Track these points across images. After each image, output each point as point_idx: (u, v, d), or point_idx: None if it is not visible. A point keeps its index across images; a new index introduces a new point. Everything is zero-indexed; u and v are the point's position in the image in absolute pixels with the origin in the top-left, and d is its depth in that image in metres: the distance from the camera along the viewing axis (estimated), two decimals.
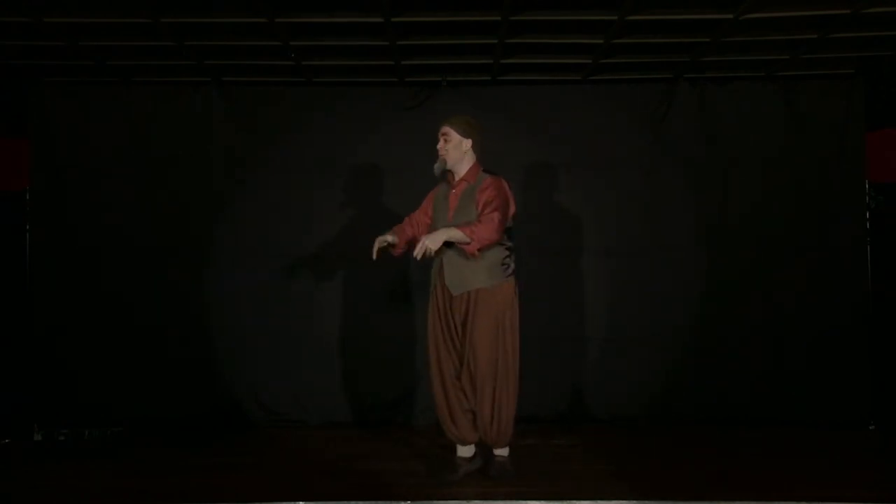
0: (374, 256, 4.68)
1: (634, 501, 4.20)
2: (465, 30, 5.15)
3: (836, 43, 5.38)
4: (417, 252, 4.44)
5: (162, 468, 5.07)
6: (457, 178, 4.75)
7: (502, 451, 4.78)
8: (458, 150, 4.72)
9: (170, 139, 6.14)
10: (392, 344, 6.12)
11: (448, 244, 4.56)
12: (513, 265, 4.71)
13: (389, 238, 4.73)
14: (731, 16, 4.85)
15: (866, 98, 6.08)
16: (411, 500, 4.27)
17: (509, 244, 4.70)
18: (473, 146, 4.75)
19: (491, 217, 4.50)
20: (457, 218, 4.65)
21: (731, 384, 6.04)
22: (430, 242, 4.43)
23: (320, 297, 6.15)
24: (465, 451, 4.82)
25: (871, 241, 6.09)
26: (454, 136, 4.71)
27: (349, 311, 6.16)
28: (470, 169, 4.74)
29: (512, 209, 4.72)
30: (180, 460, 5.25)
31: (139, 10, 4.77)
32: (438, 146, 4.75)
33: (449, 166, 4.75)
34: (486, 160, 4.85)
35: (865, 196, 6.10)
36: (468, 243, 4.49)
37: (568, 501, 4.22)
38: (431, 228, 4.73)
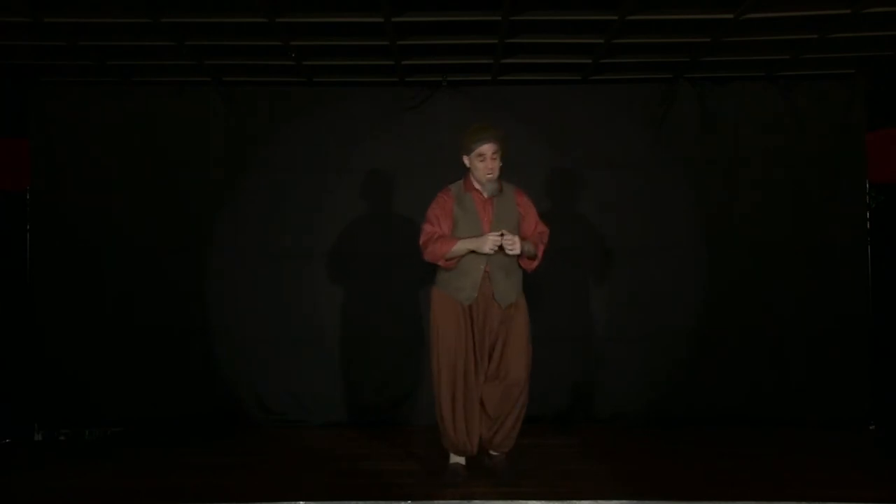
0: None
1: (634, 501, 4.20)
2: (465, 30, 5.15)
3: (836, 43, 5.37)
4: (512, 248, 4.45)
5: (162, 468, 5.07)
6: (492, 189, 4.64)
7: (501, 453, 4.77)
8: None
9: (170, 139, 6.14)
10: (393, 344, 6.12)
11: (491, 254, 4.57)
12: None
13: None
14: (731, 16, 4.85)
15: (866, 98, 6.08)
16: (411, 500, 4.27)
17: None
18: None
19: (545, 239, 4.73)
20: (499, 227, 4.55)
21: (731, 384, 6.04)
22: (518, 246, 4.49)
23: (320, 297, 6.15)
24: (461, 459, 4.73)
25: (871, 241, 6.09)
26: (500, 150, 4.61)
27: (349, 312, 6.15)
28: (498, 178, 4.69)
29: None
30: (180, 460, 5.25)
31: (139, 10, 4.76)
32: (491, 167, 4.56)
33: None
34: None
35: (865, 196, 6.11)
36: (534, 258, 4.66)
37: (568, 501, 4.22)
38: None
